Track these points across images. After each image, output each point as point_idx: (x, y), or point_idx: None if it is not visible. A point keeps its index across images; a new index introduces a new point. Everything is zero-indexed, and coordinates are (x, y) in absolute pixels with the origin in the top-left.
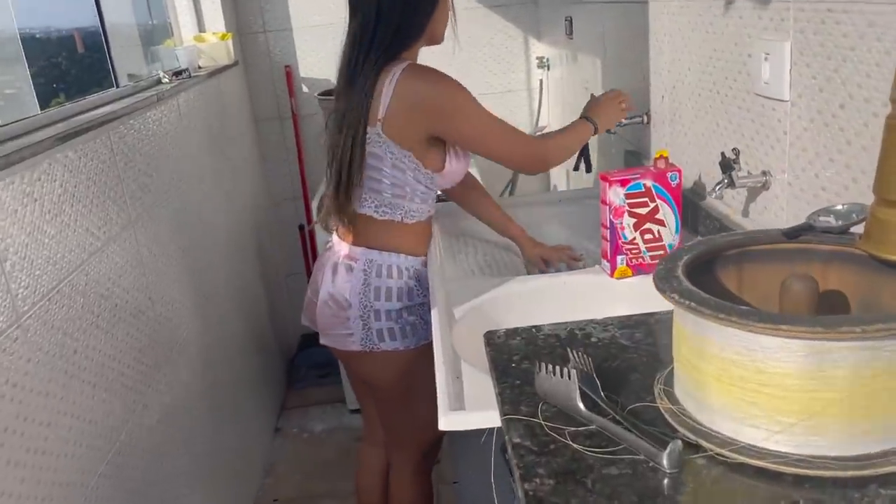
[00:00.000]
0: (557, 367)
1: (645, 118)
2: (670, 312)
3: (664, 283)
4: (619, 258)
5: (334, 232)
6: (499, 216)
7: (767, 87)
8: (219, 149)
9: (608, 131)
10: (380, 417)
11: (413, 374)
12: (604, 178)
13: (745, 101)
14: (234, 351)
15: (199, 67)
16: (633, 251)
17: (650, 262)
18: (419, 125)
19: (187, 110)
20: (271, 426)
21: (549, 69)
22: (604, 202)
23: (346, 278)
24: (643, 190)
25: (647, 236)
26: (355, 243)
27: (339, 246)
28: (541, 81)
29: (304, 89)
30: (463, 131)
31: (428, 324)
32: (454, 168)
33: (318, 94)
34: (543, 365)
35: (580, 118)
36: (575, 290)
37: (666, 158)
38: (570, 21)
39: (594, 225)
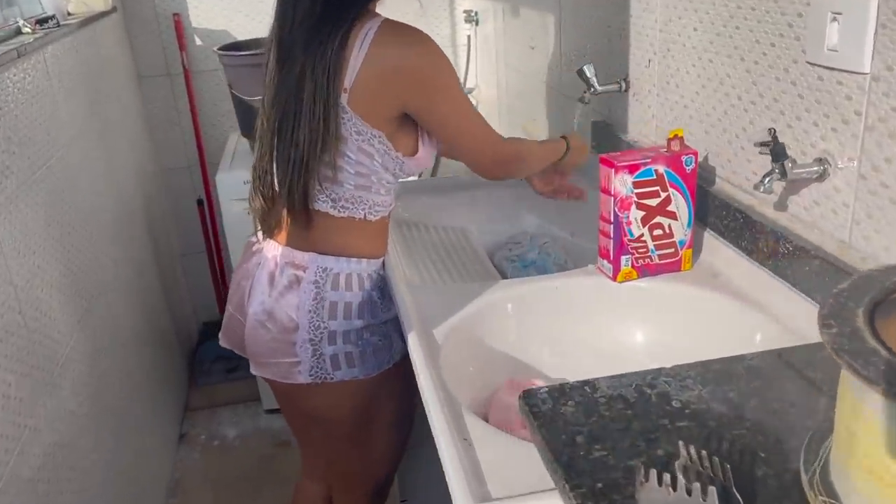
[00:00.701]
0: (675, 477)
1: (623, 84)
2: (758, 355)
3: (856, 360)
4: (623, 258)
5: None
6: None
7: (834, 56)
8: (97, 114)
9: (581, 100)
10: (325, 453)
11: (372, 406)
12: (606, 163)
13: (791, 71)
14: (128, 350)
15: (69, 14)
16: (640, 250)
17: (658, 261)
18: (394, 98)
19: (57, 68)
20: (175, 433)
21: (477, 24)
22: (605, 191)
23: (292, 292)
24: (654, 177)
25: (657, 232)
26: (301, 247)
27: (271, 249)
28: (468, 38)
29: (198, 41)
30: (441, 113)
31: (392, 344)
32: (426, 152)
33: (219, 49)
34: (650, 473)
35: (560, 137)
36: (571, 297)
37: (681, 139)
38: None
39: (567, 211)
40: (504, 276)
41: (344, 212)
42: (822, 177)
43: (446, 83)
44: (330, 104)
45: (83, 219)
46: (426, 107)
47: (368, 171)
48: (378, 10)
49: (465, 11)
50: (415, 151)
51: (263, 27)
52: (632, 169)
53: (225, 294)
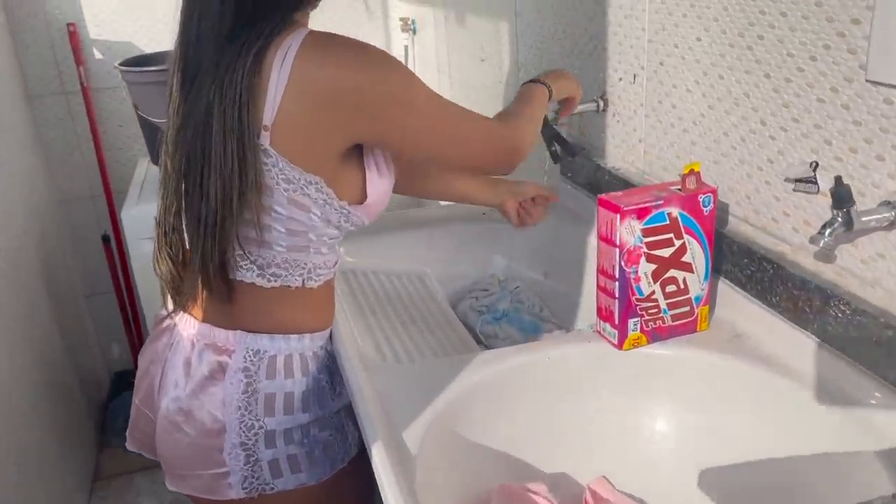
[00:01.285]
0: None
1: (600, 103)
2: None
3: None
4: (631, 322)
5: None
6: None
7: None
8: None
9: (553, 120)
10: None
11: None
12: (608, 206)
13: (843, 92)
14: (18, 412)
15: None
16: (651, 310)
17: (671, 323)
18: (337, 132)
19: None
20: None
21: (415, 33)
22: (607, 240)
23: (214, 384)
24: (667, 222)
25: (670, 288)
26: (224, 323)
27: (186, 326)
28: (405, 48)
29: (97, 55)
30: (411, 130)
31: (346, 436)
32: (378, 195)
33: (120, 64)
34: None
35: (530, 81)
36: (569, 370)
37: (698, 175)
38: None
39: (538, 248)
40: (471, 330)
41: (275, 280)
42: (892, 225)
43: (405, 93)
44: (246, 146)
45: None
46: (385, 132)
47: (304, 227)
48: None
49: (400, 19)
50: (363, 197)
51: (170, 36)
52: (641, 213)
53: (139, 340)
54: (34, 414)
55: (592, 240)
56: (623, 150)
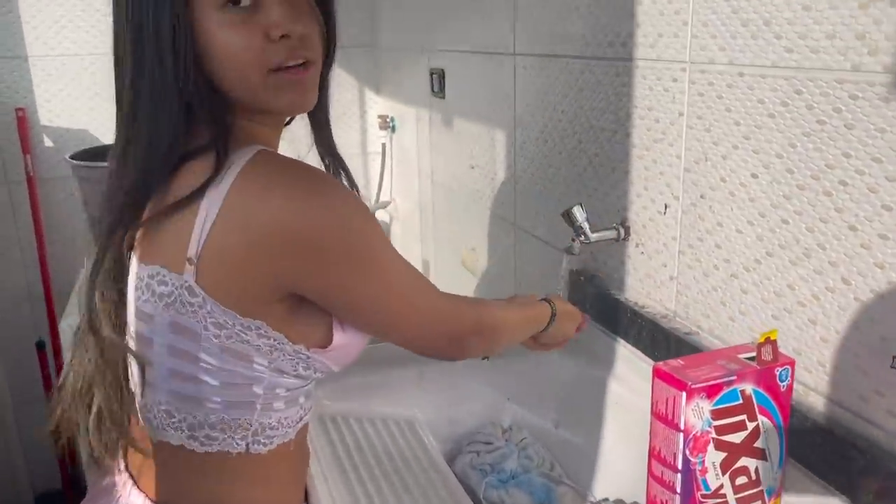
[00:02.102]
0: None
1: (621, 231)
2: None
3: None
4: None
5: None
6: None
7: None
8: None
9: (568, 250)
10: None
11: None
12: (670, 379)
13: None
14: None
15: None
16: None
17: None
18: (270, 277)
19: None
20: None
21: (394, 131)
22: (667, 422)
23: None
24: (740, 402)
25: (740, 480)
26: (157, 497)
27: (127, 494)
28: (383, 146)
29: (48, 143)
30: (357, 294)
31: None
32: (348, 336)
33: (71, 157)
34: None
35: (536, 298)
36: None
37: (775, 344)
38: (440, 76)
39: (547, 390)
40: (471, 492)
41: (210, 445)
42: None
43: (363, 248)
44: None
45: None
46: (328, 291)
47: (245, 379)
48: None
49: (379, 116)
50: (327, 340)
51: None
52: (711, 392)
53: (71, 459)
54: None
55: (614, 385)
56: (648, 287)
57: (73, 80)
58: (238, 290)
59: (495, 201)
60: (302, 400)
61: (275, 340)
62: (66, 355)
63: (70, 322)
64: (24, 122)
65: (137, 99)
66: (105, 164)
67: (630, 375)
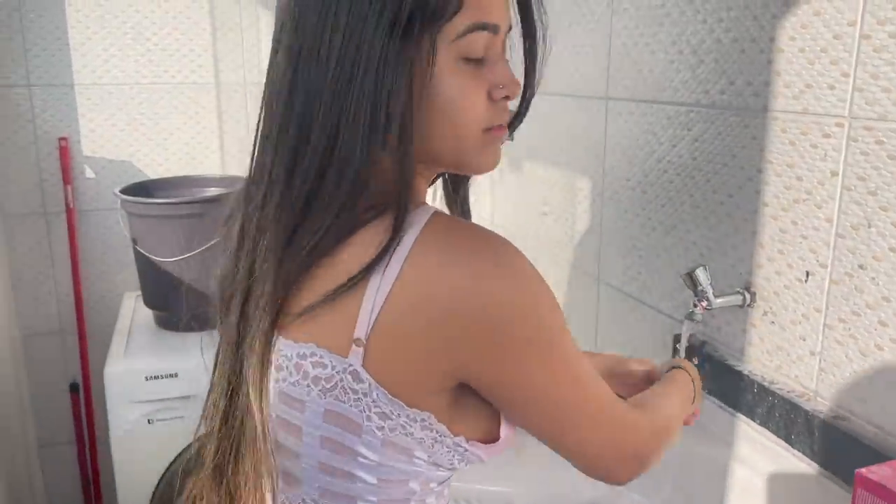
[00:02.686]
0: None
1: (746, 297)
2: None
3: None
4: None
5: None
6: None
7: None
8: None
9: (690, 316)
10: None
11: None
12: (881, 492)
13: None
14: None
15: None
16: None
17: None
18: (448, 361)
19: None
20: None
21: None
22: None
23: None
24: None
25: None
26: None
27: None
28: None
29: (89, 174)
30: (530, 387)
31: None
32: (506, 434)
33: (121, 191)
34: None
35: (670, 368)
36: None
37: None
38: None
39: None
40: None
41: None
42: None
43: (548, 338)
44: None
45: None
46: (502, 378)
47: (404, 475)
48: None
49: None
50: (491, 434)
51: (178, 162)
52: None
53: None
54: None
55: (737, 468)
56: (779, 360)
57: (119, 109)
58: (407, 377)
59: (574, 252)
60: (446, 492)
61: (437, 433)
62: (110, 404)
63: (115, 369)
64: (66, 152)
65: (330, 144)
66: (157, 201)
67: (758, 459)
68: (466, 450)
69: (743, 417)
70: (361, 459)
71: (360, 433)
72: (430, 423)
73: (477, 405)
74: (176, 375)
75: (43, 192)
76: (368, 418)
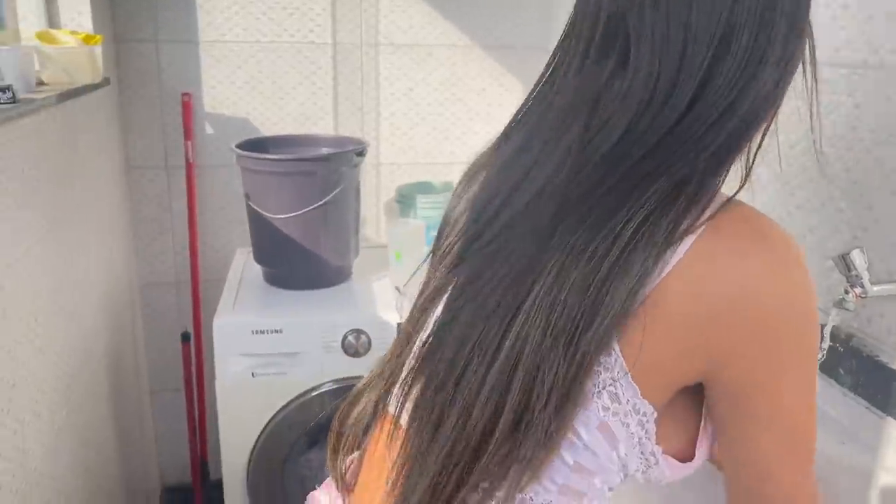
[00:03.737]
0: None
1: None
2: None
3: None
4: None
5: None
6: None
7: None
8: (61, 220)
9: (840, 304)
10: None
11: None
12: None
13: None
14: None
15: (42, 84)
16: None
17: None
18: (706, 351)
19: (5, 161)
20: None
21: None
22: None
23: None
24: None
25: None
26: None
27: None
28: None
29: (209, 129)
30: (777, 391)
31: None
32: (700, 456)
33: (237, 146)
34: None
35: None
36: None
37: None
38: None
39: None
40: None
41: None
42: None
43: (810, 344)
44: (590, 349)
45: (12, 369)
46: (746, 379)
47: (596, 467)
48: None
49: None
50: (688, 453)
51: (293, 121)
52: None
53: (202, 453)
54: None
55: (883, 476)
56: None
57: (239, 67)
58: (654, 362)
59: None
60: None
61: (646, 433)
62: (217, 356)
63: (224, 321)
64: (188, 108)
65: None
66: (271, 157)
67: None
68: (658, 461)
69: (893, 421)
70: (571, 435)
71: (588, 406)
72: (646, 420)
73: (681, 418)
74: (280, 331)
75: (165, 147)
76: (599, 395)
